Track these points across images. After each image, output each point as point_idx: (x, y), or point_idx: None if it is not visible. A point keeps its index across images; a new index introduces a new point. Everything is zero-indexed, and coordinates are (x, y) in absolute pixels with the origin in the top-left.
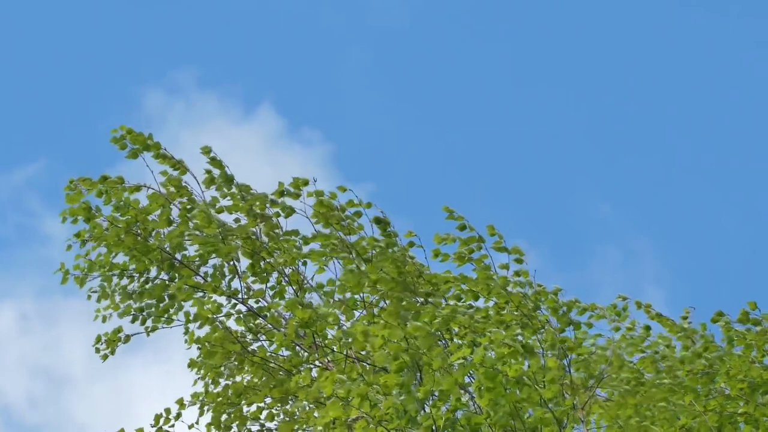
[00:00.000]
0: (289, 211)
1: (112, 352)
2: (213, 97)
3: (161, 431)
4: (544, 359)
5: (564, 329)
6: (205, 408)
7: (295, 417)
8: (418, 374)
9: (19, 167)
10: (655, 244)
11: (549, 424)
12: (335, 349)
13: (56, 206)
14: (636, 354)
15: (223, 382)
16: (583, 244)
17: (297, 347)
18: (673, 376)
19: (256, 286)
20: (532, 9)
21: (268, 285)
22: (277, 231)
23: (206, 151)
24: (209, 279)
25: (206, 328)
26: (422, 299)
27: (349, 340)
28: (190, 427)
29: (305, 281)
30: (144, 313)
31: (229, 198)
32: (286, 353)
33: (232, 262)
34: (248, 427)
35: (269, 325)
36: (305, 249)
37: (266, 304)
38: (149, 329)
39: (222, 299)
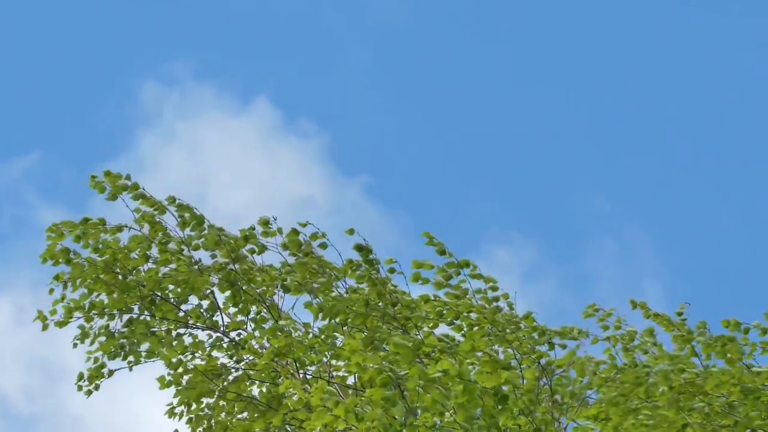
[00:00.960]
0: (261, 248)
1: (96, 388)
2: (209, 89)
3: None
4: (521, 371)
5: (542, 343)
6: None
7: None
8: (403, 391)
9: (14, 159)
10: (653, 238)
11: None
12: (312, 373)
13: (52, 198)
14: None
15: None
16: (580, 238)
17: (277, 375)
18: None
19: (238, 318)
20: (531, 8)
21: (249, 317)
22: (252, 267)
23: (171, 200)
24: (189, 316)
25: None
26: (400, 325)
27: (330, 360)
28: None
29: (281, 310)
30: (126, 349)
31: (203, 239)
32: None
33: (211, 297)
34: None
35: (249, 357)
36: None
37: (246, 335)
38: (132, 364)
39: (203, 336)
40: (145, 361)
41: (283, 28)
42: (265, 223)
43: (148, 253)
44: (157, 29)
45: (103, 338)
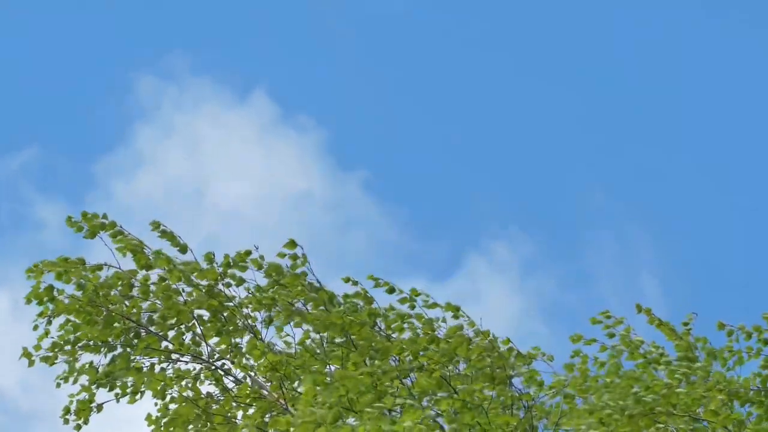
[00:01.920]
0: (239, 281)
1: (86, 422)
2: (207, 82)
3: None
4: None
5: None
6: None
7: None
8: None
9: (12, 154)
10: (652, 234)
11: None
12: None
13: (50, 193)
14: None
15: None
16: (578, 233)
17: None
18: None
19: (221, 346)
20: (530, 0)
21: (233, 345)
22: (228, 304)
23: (156, 225)
24: (172, 343)
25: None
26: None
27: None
28: None
29: (263, 337)
30: (109, 380)
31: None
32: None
33: (195, 327)
34: None
35: (233, 381)
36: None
37: (231, 366)
38: (119, 396)
39: (188, 367)
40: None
41: (281, 22)
42: (247, 253)
43: (132, 282)
44: (155, 23)
45: (86, 377)
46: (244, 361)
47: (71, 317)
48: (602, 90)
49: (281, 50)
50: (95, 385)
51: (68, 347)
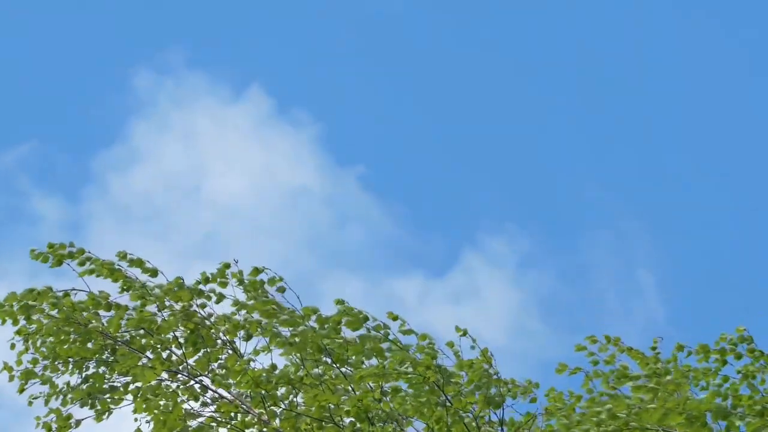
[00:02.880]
0: (219, 297)
1: None
2: (203, 77)
3: None
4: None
5: (497, 407)
6: None
7: None
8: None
9: (9, 148)
10: (648, 227)
11: None
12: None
13: (46, 187)
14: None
15: None
16: (574, 228)
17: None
18: None
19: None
20: None
21: (211, 360)
22: (206, 322)
23: (122, 255)
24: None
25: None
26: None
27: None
28: None
29: (242, 354)
30: (90, 398)
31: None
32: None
33: (175, 342)
34: None
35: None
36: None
37: (210, 383)
38: (99, 412)
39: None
40: (113, 408)
41: (277, 16)
42: (227, 266)
43: (110, 301)
44: (151, 18)
45: (63, 396)
46: (223, 379)
47: (49, 338)
48: (598, 85)
49: (278, 45)
50: (73, 403)
51: (47, 362)
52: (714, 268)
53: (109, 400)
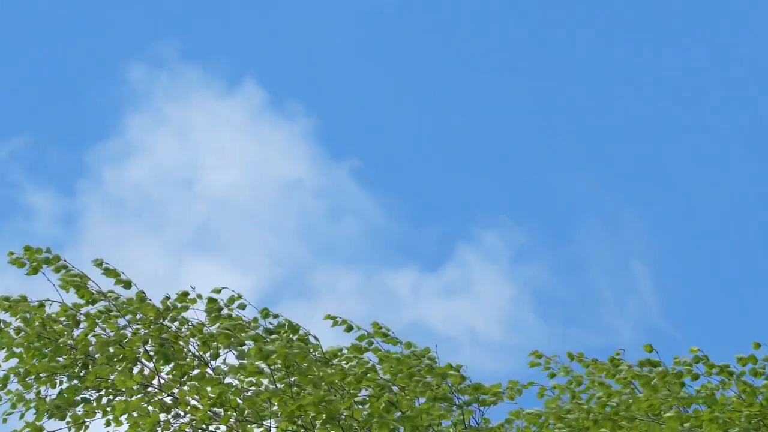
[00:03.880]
0: (182, 321)
1: None
2: (197, 70)
3: None
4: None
5: (471, 403)
6: None
7: None
8: None
9: (2, 141)
10: (643, 219)
11: None
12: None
13: (40, 180)
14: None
15: None
16: (569, 221)
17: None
18: None
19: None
20: None
21: (182, 378)
22: (175, 333)
23: (98, 263)
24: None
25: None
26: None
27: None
28: None
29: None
30: (60, 410)
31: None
32: None
33: (146, 356)
34: None
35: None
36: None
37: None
38: (70, 425)
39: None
40: (87, 421)
41: (271, 8)
42: (185, 294)
43: (78, 317)
44: (144, 9)
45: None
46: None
47: (19, 349)
48: (591, 77)
49: (271, 37)
50: (46, 416)
51: (17, 377)
52: (708, 260)
53: (80, 412)
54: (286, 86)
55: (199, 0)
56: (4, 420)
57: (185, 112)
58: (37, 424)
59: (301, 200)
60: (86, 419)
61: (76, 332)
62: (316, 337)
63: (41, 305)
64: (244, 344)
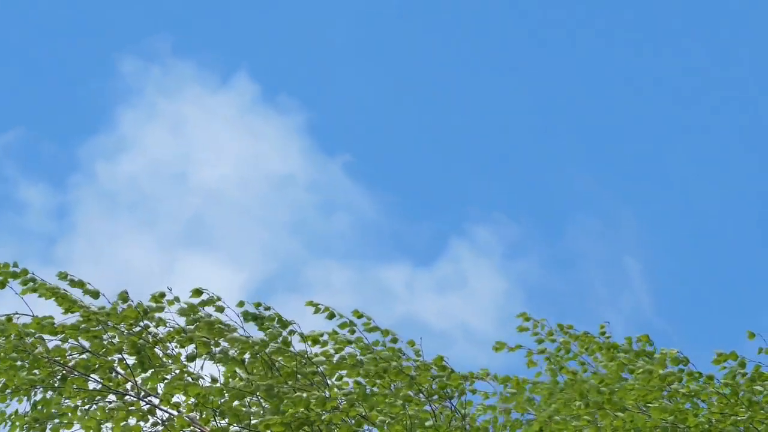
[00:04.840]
0: (159, 322)
1: None
2: (189, 64)
3: None
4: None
5: (454, 386)
6: None
7: None
8: None
9: None
10: (636, 215)
11: None
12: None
13: (33, 174)
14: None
15: None
16: (562, 216)
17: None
18: None
19: (148, 385)
20: None
21: (160, 382)
22: (152, 339)
23: (63, 276)
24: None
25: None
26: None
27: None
28: None
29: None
30: (38, 423)
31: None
32: None
33: (123, 364)
34: None
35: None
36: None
37: (158, 402)
38: None
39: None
40: None
41: (264, 3)
42: (162, 295)
43: (55, 326)
44: (137, 4)
45: (15, 422)
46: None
47: None
48: (591, 77)
49: (264, 32)
50: (22, 429)
51: None
52: (700, 255)
53: (58, 423)
54: (279, 81)
55: None
56: None
57: (178, 107)
58: None
59: (294, 195)
60: (65, 430)
61: (51, 344)
62: (302, 335)
63: (9, 318)
64: (220, 346)
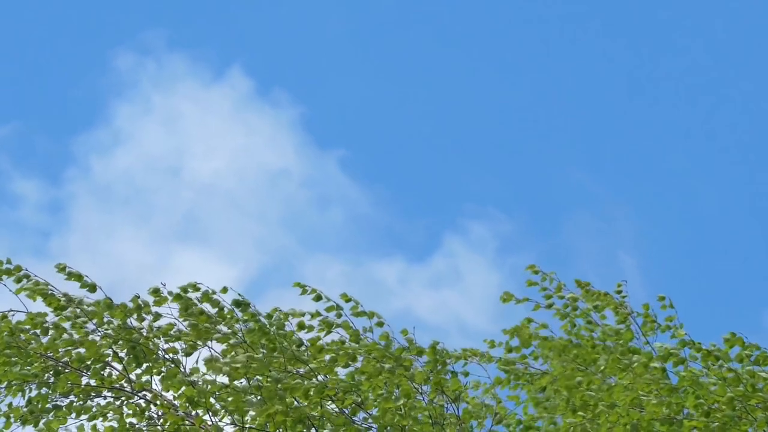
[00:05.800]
0: (156, 316)
1: None
2: (184, 58)
3: None
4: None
5: (443, 374)
6: None
7: None
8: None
9: None
10: (631, 210)
11: None
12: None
13: (27, 168)
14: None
15: None
16: (557, 211)
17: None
18: None
19: (143, 378)
20: None
21: (155, 376)
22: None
23: (61, 267)
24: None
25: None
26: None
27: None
28: None
29: (184, 367)
30: (33, 416)
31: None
32: None
33: (117, 359)
34: None
35: (156, 415)
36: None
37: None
38: (43, 431)
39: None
40: (62, 428)
41: None
42: (156, 291)
43: (45, 325)
44: None
45: (9, 416)
46: (167, 392)
47: None
48: (582, 68)
49: (258, 26)
50: (16, 423)
51: None
52: (696, 252)
53: (53, 418)
54: (273, 75)
55: None
56: None
57: (172, 101)
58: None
59: (288, 189)
60: (60, 426)
61: (44, 339)
62: (284, 313)
63: (4, 316)
64: (211, 341)
